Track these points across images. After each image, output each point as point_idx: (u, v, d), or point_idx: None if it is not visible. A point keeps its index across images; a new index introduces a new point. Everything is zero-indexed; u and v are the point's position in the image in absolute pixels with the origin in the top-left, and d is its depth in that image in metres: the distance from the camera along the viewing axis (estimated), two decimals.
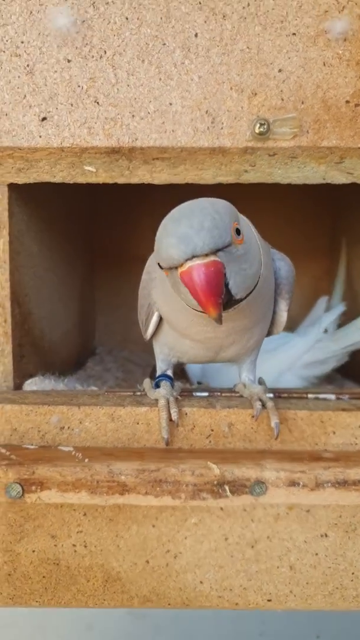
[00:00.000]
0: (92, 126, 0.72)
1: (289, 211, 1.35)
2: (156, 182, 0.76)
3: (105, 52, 0.71)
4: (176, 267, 0.56)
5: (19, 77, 0.72)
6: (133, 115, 0.72)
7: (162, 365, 0.76)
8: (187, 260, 0.54)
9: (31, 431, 0.70)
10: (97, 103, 0.72)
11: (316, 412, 0.69)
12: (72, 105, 0.72)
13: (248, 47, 0.70)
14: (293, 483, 0.65)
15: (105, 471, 0.66)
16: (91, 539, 0.72)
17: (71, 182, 0.76)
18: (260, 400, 0.69)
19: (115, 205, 1.37)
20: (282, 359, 0.99)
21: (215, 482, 0.65)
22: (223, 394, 0.74)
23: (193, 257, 0.54)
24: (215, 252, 0.55)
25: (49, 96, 0.72)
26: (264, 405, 0.68)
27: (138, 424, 0.70)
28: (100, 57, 0.71)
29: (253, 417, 0.69)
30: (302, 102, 0.71)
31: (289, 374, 0.99)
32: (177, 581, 0.73)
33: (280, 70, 0.71)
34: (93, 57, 0.71)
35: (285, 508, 0.71)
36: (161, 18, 0.70)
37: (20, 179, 0.77)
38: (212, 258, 0.54)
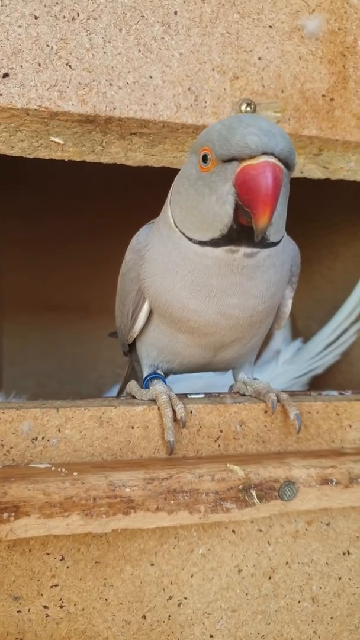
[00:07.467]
0: (64, 90, 0.63)
1: None
2: (130, 162, 0.67)
3: (78, 14, 0.64)
4: (238, 160, 0.49)
5: None
6: (110, 84, 0.64)
7: (148, 371, 0.63)
8: (263, 154, 0.48)
9: None
10: (69, 66, 0.63)
11: (332, 404, 0.61)
12: (39, 65, 0.63)
13: (228, 32, 0.68)
14: (326, 480, 0.55)
15: (103, 484, 0.50)
16: (70, 593, 0.54)
17: (31, 156, 0.65)
18: (271, 393, 0.60)
19: (26, 246, 1.20)
20: None
21: (240, 487, 0.53)
22: (221, 395, 0.64)
23: (270, 154, 0.48)
24: (284, 164, 0.50)
25: (12, 52, 0.62)
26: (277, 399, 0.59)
27: (133, 428, 0.56)
28: (73, 18, 0.64)
29: (267, 412, 0.59)
30: (282, 91, 0.70)
31: None
32: (183, 639, 0.57)
33: (259, 59, 0.69)
34: (64, 17, 0.64)
35: (304, 523, 0.60)
36: None
37: None
38: (282, 166, 0.49)
